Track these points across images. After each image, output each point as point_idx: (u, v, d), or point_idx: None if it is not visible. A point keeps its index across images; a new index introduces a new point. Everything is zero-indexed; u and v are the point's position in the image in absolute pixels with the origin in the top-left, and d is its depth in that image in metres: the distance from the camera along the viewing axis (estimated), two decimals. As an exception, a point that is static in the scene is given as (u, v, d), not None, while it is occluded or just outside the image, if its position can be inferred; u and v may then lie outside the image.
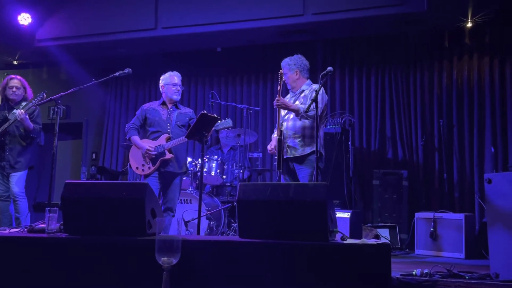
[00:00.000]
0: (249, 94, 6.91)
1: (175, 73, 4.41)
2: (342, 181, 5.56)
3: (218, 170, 5.53)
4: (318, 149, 3.61)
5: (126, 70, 4.03)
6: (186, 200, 5.26)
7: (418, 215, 4.88)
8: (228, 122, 4.08)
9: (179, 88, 4.36)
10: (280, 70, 4.12)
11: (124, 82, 7.46)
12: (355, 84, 6.40)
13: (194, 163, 5.50)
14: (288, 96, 4.23)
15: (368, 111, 6.30)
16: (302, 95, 4.04)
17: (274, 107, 3.94)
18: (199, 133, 3.87)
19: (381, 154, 6.17)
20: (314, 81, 6.20)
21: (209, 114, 3.81)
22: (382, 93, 6.27)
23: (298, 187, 2.56)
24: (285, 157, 3.94)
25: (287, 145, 3.95)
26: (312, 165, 3.81)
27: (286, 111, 3.99)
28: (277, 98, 3.92)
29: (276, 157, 4.04)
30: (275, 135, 4.16)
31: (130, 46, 6.54)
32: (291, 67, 4.08)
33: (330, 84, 6.51)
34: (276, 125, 4.25)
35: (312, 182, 3.72)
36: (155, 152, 4.16)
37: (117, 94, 7.50)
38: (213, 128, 3.95)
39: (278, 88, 4.00)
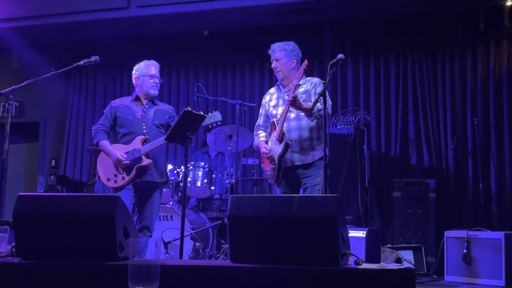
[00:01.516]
0: (243, 87, 6.94)
1: (152, 62, 4.42)
2: (356, 193, 5.57)
3: (205, 180, 5.55)
4: (327, 152, 3.62)
5: (93, 58, 4.02)
6: (166, 216, 5.25)
7: (448, 233, 4.90)
8: (216, 115, 4.08)
9: (157, 80, 4.37)
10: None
11: (91, 73, 7.47)
12: (371, 75, 6.45)
13: (175, 172, 5.50)
14: (272, 90, 4.25)
15: (387, 107, 6.36)
16: (301, 90, 4.05)
17: (287, 102, 3.83)
18: (182, 134, 3.85)
19: (403, 159, 6.21)
20: (323, 71, 6.32)
21: (193, 111, 3.81)
22: (404, 86, 6.32)
23: (302, 200, 2.55)
24: (288, 165, 3.95)
25: (292, 150, 3.95)
26: (321, 173, 3.83)
27: (286, 110, 3.95)
28: (288, 95, 3.85)
29: (267, 166, 4.05)
30: (262, 138, 4.17)
31: (98, 29, 6.55)
32: (288, 53, 4.07)
33: (341, 75, 6.57)
34: (259, 122, 4.30)
35: (320, 194, 3.72)
36: (128, 161, 4.17)
37: (82, 87, 7.50)
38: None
39: (295, 81, 3.92)
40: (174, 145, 6.76)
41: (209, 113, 4.08)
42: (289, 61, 4.08)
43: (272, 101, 4.18)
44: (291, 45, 4.11)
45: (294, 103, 3.78)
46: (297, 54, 4.10)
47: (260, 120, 4.29)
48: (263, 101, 4.29)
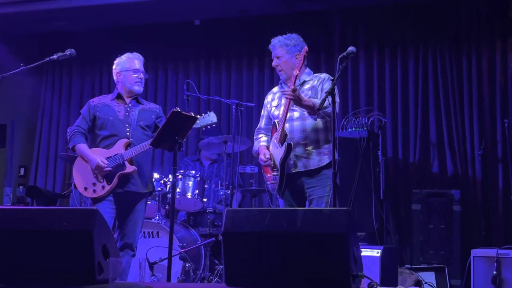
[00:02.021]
0: (240, 85, 6.93)
1: (135, 55, 4.42)
2: (370, 205, 5.54)
3: (197, 191, 5.52)
4: (336, 158, 3.60)
5: (68, 52, 4.03)
6: (152, 233, 5.23)
7: (475, 252, 4.87)
8: (211, 117, 4.07)
9: (141, 75, 4.37)
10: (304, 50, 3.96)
11: (65, 68, 7.45)
12: (387, 70, 6.43)
13: (162, 181, 5.47)
14: (275, 89, 4.26)
15: (404, 108, 6.33)
16: (307, 86, 4.05)
17: (285, 97, 3.83)
18: (170, 138, 3.83)
19: (423, 167, 6.17)
20: (331, 65, 6.29)
21: (183, 112, 3.81)
22: (424, 83, 6.29)
23: (308, 213, 2.58)
24: (291, 171, 3.94)
25: (295, 154, 3.94)
26: (329, 183, 3.79)
27: (286, 107, 3.94)
28: (289, 86, 3.81)
29: (269, 175, 4.03)
30: (262, 143, 4.18)
31: (73, 18, 6.53)
32: (290, 48, 4.04)
33: (352, 71, 6.54)
34: (260, 125, 4.29)
35: (328, 207, 3.69)
36: (110, 168, 4.16)
37: (55, 85, 7.47)
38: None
39: (295, 72, 3.87)
40: (161, 151, 6.70)
41: (203, 114, 4.07)
42: (291, 58, 4.04)
43: (274, 101, 4.17)
44: (293, 39, 4.06)
45: (292, 96, 3.74)
46: (301, 49, 4.01)
47: (262, 123, 4.28)
48: (265, 101, 4.28)
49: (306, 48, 3.94)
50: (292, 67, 3.99)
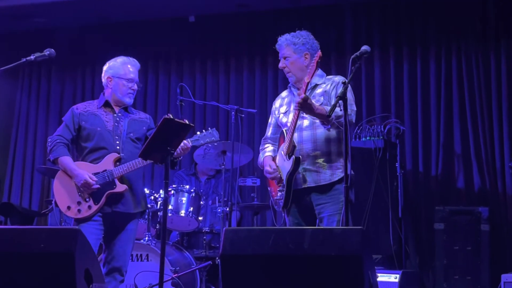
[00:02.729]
0: (240, 88, 6.93)
1: (132, 61, 4.43)
2: (387, 224, 5.55)
3: (191, 208, 5.53)
4: (349, 172, 3.56)
5: (47, 52, 3.98)
6: (141, 256, 5.22)
7: (506, 277, 4.88)
8: (213, 134, 4.13)
9: (135, 86, 4.39)
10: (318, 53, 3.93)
11: (44, 71, 7.45)
12: (405, 72, 6.41)
13: (153, 198, 5.49)
14: (284, 93, 4.27)
15: (425, 114, 6.31)
16: (319, 91, 4.05)
17: (295, 105, 3.78)
18: (161, 149, 3.81)
19: (446, 181, 6.16)
20: (343, 67, 6.30)
21: (176, 119, 3.81)
22: (447, 86, 6.26)
23: (318, 233, 2.62)
24: (300, 187, 3.94)
25: (304, 168, 3.94)
26: (341, 199, 3.75)
27: (296, 115, 3.90)
28: (299, 94, 3.79)
29: (274, 188, 4.02)
30: (268, 153, 4.18)
31: (53, 14, 6.53)
32: (298, 47, 4.04)
33: (366, 73, 6.53)
34: (267, 134, 4.29)
35: (340, 227, 3.66)
36: (98, 186, 4.14)
37: (32, 89, 7.47)
38: (190, 144, 4.02)
39: (306, 79, 3.84)
40: (152, 164, 6.65)
41: (204, 131, 4.08)
42: (300, 58, 4.04)
43: (283, 107, 4.16)
44: (302, 37, 4.06)
45: (304, 106, 3.72)
46: (310, 48, 4.03)
47: (269, 131, 4.27)
48: (273, 107, 4.27)
49: (319, 53, 3.92)
50: (301, 68, 4.02)
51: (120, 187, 4.15)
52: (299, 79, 4.00)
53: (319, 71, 4.12)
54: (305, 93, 3.78)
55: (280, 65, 4.10)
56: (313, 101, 3.84)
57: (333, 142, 3.95)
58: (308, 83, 3.85)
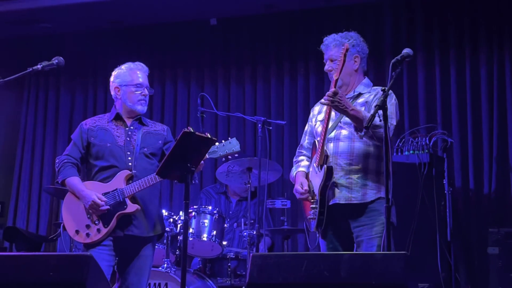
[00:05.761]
0: (267, 98, 6.96)
1: (138, 65, 4.50)
2: (434, 249, 5.55)
3: (214, 232, 5.50)
4: (390, 190, 3.58)
5: (55, 61, 4.04)
6: (159, 285, 5.27)
7: None
8: (233, 144, 4.15)
9: (145, 91, 4.44)
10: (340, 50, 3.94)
11: (52, 81, 7.54)
12: (452, 77, 6.40)
13: (171, 220, 5.51)
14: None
15: (476, 125, 6.30)
16: (361, 100, 4.08)
17: (325, 101, 3.78)
18: (181, 166, 3.85)
19: (501, 200, 6.11)
20: (382, 72, 6.30)
21: (197, 133, 3.85)
22: (501, 92, 6.22)
23: (356, 259, 2.71)
24: (331, 203, 3.94)
25: (336, 182, 3.95)
26: (381, 221, 3.80)
27: (326, 121, 3.94)
28: (331, 89, 3.79)
29: (307, 206, 4.01)
30: (301, 168, 4.19)
31: (61, 19, 6.64)
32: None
33: (409, 79, 6.56)
34: (302, 143, 4.32)
35: (381, 252, 3.69)
36: (108, 207, 4.19)
37: (39, 102, 7.57)
38: (206, 156, 4.04)
39: (335, 75, 3.89)
40: (169, 181, 6.68)
41: (223, 141, 4.14)
42: (349, 61, 4.06)
43: (321, 114, 4.15)
44: (352, 38, 4.11)
45: (335, 101, 3.75)
46: (361, 51, 4.12)
47: (305, 140, 4.30)
48: (311, 114, 4.31)
49: (347, 45, 3.92)
50: (349, 73, 4.09)
51: (131, 207, 4.22)
52: (346, 84, 4.10)
53: (366, 80, 4.20)
54: (334, 86, 3.86)
55: (327, 67, 4.12)
56: (348, 100, 3.89)
57: (371, 159, 3.99)
58: (336, 80, 3.90)
